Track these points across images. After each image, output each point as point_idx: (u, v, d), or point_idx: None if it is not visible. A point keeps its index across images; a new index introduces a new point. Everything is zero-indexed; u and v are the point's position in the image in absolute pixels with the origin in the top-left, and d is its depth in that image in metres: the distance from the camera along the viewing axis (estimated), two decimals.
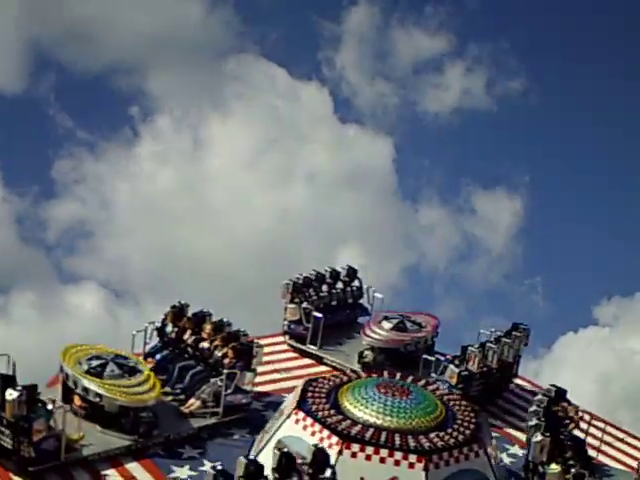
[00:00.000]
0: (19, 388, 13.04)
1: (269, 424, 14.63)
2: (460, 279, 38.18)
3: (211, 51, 39.28)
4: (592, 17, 40.14)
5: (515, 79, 39.97)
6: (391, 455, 13.26)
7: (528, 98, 39.42)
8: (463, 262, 38.50)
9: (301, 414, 13.95)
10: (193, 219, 35.56)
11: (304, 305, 18.96)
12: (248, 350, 15.74)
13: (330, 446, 13.28)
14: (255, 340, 16.34)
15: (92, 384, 14.12)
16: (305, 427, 13.74)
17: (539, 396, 16.29)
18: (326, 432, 13.52)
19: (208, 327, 16.08)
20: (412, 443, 13.47)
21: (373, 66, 39.50)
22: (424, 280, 38.21)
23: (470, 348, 17.61)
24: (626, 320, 34.37)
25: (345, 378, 15.15)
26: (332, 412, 13.96)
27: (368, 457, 13.27)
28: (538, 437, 14.44)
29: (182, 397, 15.35)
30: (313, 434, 13.57)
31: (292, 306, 18.99)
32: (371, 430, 13.57)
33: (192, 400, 15.20)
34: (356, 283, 20.44)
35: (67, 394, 14.41)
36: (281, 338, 19.36)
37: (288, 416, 14.11)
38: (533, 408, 15.78)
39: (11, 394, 12.91)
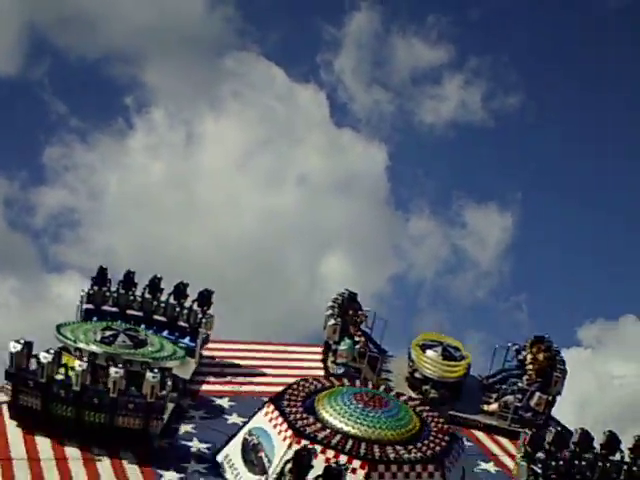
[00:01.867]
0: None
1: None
2: (446, 292, 39.02)
3: (210, 47, 39.78)
4: (594, 34, 40.95)
5: (513, 94, 40.31)
6: (336, 457, 13.45)
7: (525, 114, 40.20)
8: (450, 275, 39.34)
9: (271, 407, 14.60)
10: (181, 215, 35.90)
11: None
12: None
13: (285, 439, 13.89)
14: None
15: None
16: (271, 420, 14.37)
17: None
18: (285, 426, 14.09)
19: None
20: (377, 453, 13.63)
21: (371, 73, 40.45)
22: (409, 290, 39.03)
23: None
24: (608, 344, 35.49)
25: (328, 384, 15.54)
26: (304, 414, 14.33)
27: (327, 460, 13.35)
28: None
29: None
30: (275, 427, 14.19)
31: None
32: (336, 435, 13.82)
33: None
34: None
35: None
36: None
37: (261, 408, 14.77)
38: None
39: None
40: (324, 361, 18.42)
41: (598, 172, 39.88)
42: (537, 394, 17.70)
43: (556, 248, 38.87)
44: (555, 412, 18.28)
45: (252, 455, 14.09)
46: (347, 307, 18.93)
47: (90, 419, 14.01)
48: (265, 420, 14.45)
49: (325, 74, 39.99)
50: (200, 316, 17.75)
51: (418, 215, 39.63)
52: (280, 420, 14.21)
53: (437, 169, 40.57)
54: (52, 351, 14.18)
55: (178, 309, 17.85)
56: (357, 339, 18.20)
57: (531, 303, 38.34)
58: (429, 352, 18.51)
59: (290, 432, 13.94)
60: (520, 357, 18.73)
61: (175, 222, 35.82)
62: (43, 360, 13.87)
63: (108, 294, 17.95)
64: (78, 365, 14.03)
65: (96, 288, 17.90)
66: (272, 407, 14.60)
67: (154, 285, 17.99)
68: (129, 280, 18.07)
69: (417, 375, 18.42)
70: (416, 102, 40.88)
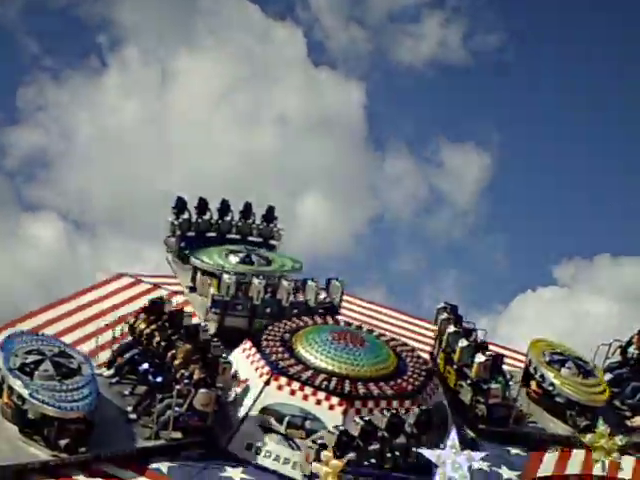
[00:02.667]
0: None
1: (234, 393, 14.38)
2: (423, 231, 38.14)
3: None
4: None
5: (493, 33, 39.29)
6: (314, 394, 13.61)
7: (504, 54, 39.24)
8: (427, 215, 38.47)
9: (248, 343, 14.59)
10: (156, 154, 35.21)
11: None
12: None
13: (261, 375, 13.93)
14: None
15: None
16: (248, 356, 14.37)
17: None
18: (262, 362, 14.09)
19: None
20: (345, 387, 13.79)
21: (349, 10, 38.93)
22: (386, 230, 38.13)
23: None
24: (584, 282, 35.08)
25: (301, 324, 15.43)
26: (285, 356, 14.33)
27: (292, 392, 13.70)
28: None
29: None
30: (252, 363, 14.16)
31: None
32: (322, 376, 13.89)
33: None
34: None
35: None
36: None
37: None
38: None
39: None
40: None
41: (575, 107, 37.92)
42: None
43: (533, 189, 38.09)
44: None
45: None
46: None
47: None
48: (242, 355, 14.44)
49: (302, 12, 38.54)
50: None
51: (395, 155, 38.23)
52: (257, 357, 14.22)
53: (415, 109, 39.74)
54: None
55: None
56: None
57: (509, 243, 37.44)
58: (564, 371, 15.99)
59: (267, 368, 13.98)
60: (630, 354, 16.84)
61: (149, 162, 35.35)
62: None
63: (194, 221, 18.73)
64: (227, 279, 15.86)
65: (186, 217, 18.60)
66: (249, 343, 14.56)
67: (246, 209, 19.21)
68: (224, 207, 19.06)
69: (557, 399, 15.71)
70: (394, 40, 39.23)
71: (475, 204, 37.61)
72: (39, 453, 12.28)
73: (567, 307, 33.29)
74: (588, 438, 13.86)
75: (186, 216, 18.69)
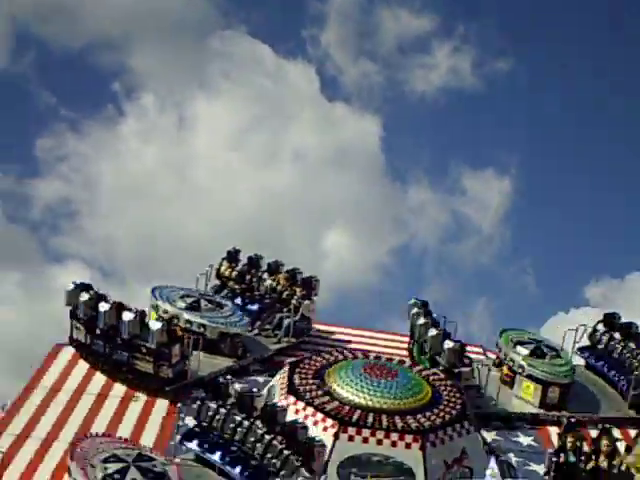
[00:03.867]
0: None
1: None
2: (450, 259, 37.44)
3: (196, 28, 38.40)
4: None
5: (502, 58, 39.22)
6: (387, 437, 13.15)
7: (515, 78, 38.68)
8: (453, 242, 37.89)
9: (292, 398, 13.74)
10: (178, 199, 35.09)
11: None
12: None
13: (325, 429, 13.17)
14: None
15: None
16: (297, 411, 13.48)
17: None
18: (320, 415, 13.37)
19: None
20: (409, 423, 13.40)
21: (358, 44, 38.82)
22: (413, 261, 37.43)
23: None
24: (616, 301, 33.83)
25: (332, 358, 15.02)
26: (320, 393, 13.86)
27: (365, 440, 13.16)
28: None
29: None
30: (306, 418, 13.33)
31: None
32: (368, 413, 13.45)
33: None
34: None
35: None
36: None
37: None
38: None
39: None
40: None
41: (597, 126, 37.60)
42: None
43: (556, 209, 37.07)
44: None
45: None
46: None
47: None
48: (291, 410, 13.49)
49: (312, 49, 38.28)
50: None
51: (416, 185, 37.78)
52: (311, 410, 13.47)
53: (431, 137, 38.71)
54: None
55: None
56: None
57: (536, 266, 36.27)
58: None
59: (330, 421, 13.39)
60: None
61: (172, 206, 35.01)
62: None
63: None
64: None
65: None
66: (292, 398, 13.79)
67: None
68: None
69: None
70: (405, 71, 39.09)
71: (500, 229, 37.25)
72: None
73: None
74: (629, 459, 12.86)
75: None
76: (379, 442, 13.12)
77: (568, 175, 37.25)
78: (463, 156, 37.35)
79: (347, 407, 13.58)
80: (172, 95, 37.09)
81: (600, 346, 17.44)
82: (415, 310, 17.39)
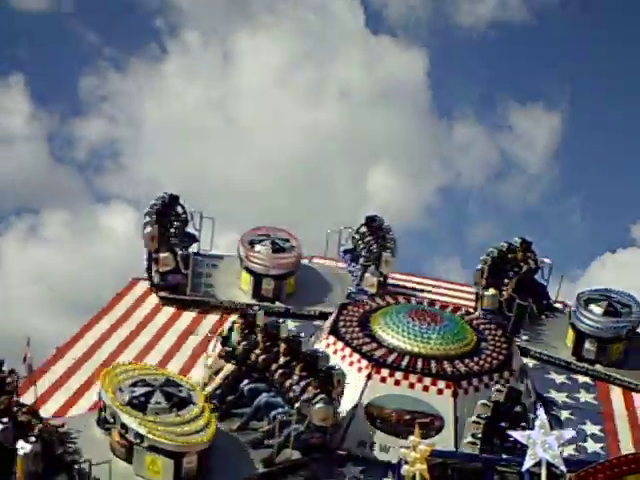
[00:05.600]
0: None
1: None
2: (496, 199, 36.77)
3: None
4: None
5: None
6: (420, 381, 13.40)
7: (567, 9, 37.55)
8: (499, 181, 37.06)
9: (332, 338, 14.19)
10: (222, 137, 34.87)
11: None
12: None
13: (360, 370, 13.52)
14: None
15: (132, 421, 11.60)
16: (335, 351, 13.94)
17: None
18: (356, 356, 13.72)
19: (283, 346, 13.64)
20: (445, 368, 13.57)
21: None
22: (459, 200, 36.85)
23: (384, 254, 17.37)
24: None
25: (381, 304, 15.26)
26: (361, 335, 14.13)
27: (397, 382, 13.43)
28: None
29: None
30: (343, 358, 13.78)
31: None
32: (404, 356, 13.70)
33: None
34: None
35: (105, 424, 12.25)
36: None
37: (319, 340, 14.41)
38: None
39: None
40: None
41: None
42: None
43: (607, 147, 35.46)
44: None
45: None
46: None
47: None
48: (329, 351, 13.88)
49: None
50: None
51: (462, 122, 36.56)
52: (348, 351, 13.86)
53: (479, 72, 37.23)
54: None
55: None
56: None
57: (584, 206, 35.52)
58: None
59: (365, 362, 13.66)
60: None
61: (217, 145, 34.80)
62: None
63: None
64: None
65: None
66: (333, 338, 14.19)
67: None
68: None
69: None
70: (453, 4, 38.12)
71: (548, 167, 36.31)
72: None
73: None
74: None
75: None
76: (411, 385, 13.32)
77: (620, 110, 35.96)
78: (511, 91, 36.38)
79: (385, 350, 13.75)
80: (216, 31, 36.52)
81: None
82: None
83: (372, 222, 18.45)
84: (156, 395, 12.03)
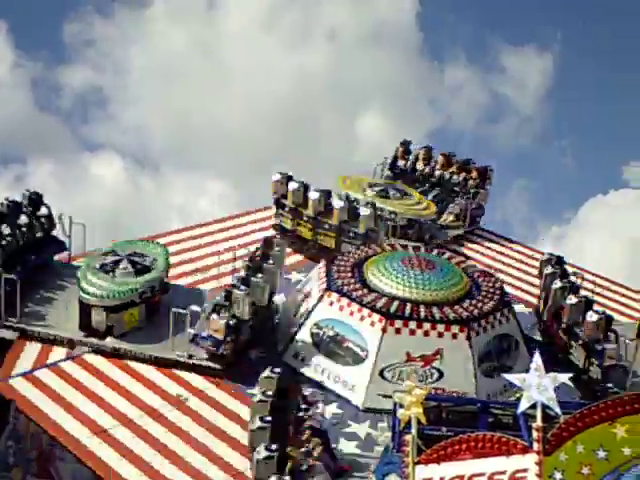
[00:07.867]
0: None
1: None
2: (488, 141, 36.25)
3: None
4: None
5: None
6: (434, 328, 13.48)
7: None
8: (491, 123, 36.85)
9: (335, 295, 14.07)
10: (209, 82, 34.18)
11: None
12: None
13: (372, 324, 13.58)
14: None
15: None
16: (342, 308, 13.93)
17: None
18: (366, 311, 13.69)
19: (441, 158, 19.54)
20: (438, 314, 13.62)
21: None
22: (450, 142, 36.29)
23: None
24: None
25: (370, 252, 15.26)
26: (358, 286, 14.14)
27: (412, 332, 13.54)
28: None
29: None
30: (351, 314, 13.78)
31: None
32: (406, 304, 13.78)
33: None
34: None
35: None
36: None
37: (320, 299, 14.16)
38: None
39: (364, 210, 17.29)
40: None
41: None
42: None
43: (598, 89, 35.31)
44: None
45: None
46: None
47: None
48: (334, 310, 13.98)
49: None
50: None
51: (454, 64, 36.42)
52: (323, 275, 14.42)
53: (469, 13, 37.08)
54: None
55: None
56: None
57: (575, 147, 35.03)
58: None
59: (324, 286, 14.19)
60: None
61: (203, 89, 34.13)
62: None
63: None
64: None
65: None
66: (323, 264, 14.71)
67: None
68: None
69: None
70: None
71: (540, 109, 35.89)
72: None
73: None
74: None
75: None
76: (426, 333, 13.37)
77: (613, 52, 34.89)
78: (503, 33, 35.80)
79: (386, 299, 13.72)
80: None
81: None
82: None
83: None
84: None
